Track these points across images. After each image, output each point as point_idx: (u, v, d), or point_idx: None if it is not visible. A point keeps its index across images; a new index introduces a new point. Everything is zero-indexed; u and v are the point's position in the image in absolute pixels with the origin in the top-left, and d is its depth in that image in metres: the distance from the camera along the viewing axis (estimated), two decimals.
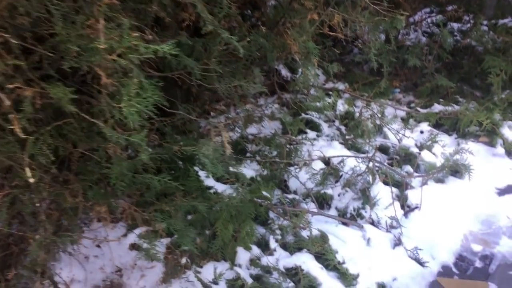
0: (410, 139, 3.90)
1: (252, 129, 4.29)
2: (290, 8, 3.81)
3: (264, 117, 4.47)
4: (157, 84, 1.80)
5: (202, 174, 3.24)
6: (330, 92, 4.47)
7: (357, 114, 4.11)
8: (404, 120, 4.33)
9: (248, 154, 3.63)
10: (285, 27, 3.79)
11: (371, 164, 3.43)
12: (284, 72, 4.88)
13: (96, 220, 3.27)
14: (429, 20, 5.53)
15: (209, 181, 3.21)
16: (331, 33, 3.72)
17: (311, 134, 4.05)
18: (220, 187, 3.18)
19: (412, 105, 4.60)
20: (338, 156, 3.50)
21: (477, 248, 3.04)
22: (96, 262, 2.99)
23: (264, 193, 3.05)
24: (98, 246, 3.10)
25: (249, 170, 3.38)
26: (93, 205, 2.05)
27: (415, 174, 3.57)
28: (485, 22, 5.96)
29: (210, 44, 2.73)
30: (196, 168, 3.27)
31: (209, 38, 2.71)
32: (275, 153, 3.56)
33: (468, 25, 5.73)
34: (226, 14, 3.80)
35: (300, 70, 3.60)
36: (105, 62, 1.48)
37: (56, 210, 1.95)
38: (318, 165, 3.59)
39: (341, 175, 3.58)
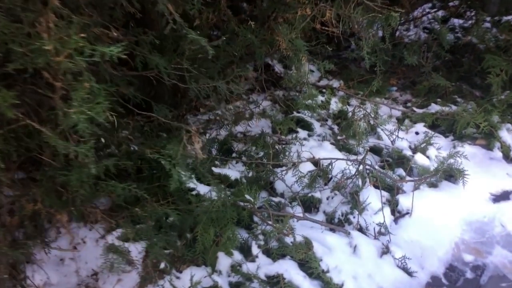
0: (404, 141, 3.77)
1: (242, 127, 4.16)
2: (282, 2, 3.66)
3: (255, 114, 4.35)
4: (109, 89, 1.66)
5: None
6: (324, 90, 4.33)
7: (351, 114, 3.96)
8: (400, 120, 4.19)
9: (234, 154, 3.49)
10: (277, 22, 3.65)
11: (361, 167, 3.29)
12: (278, 68, 4.75)
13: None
14: (430, 15, 5.37)
15: (192, 182, 3.09)
16: (325, 29, 3.59)
17: (302, 133, 3.92)
18: (202, 189, 3.06)
19: (409, 104, 4.46)
20: (327, 159, 3.36)
21: (468, 257, 2.91)
22: (72, 265, 2.88)
23: (247, 196, 2.92)
24: (74, 247, 2.99)
25: (234, 171, 3.25)
26: (55, 213, 1.93)
27: (408, 178, 3.44)
28: (488, 19, 5.79)
29: (180, 43, 2.59)
30: (179, 169, 3.15)
31: (178, 37, 2.55)
32: (262, 153, 3.43)
33: (471, 21, 5.57)
34: (215, 9, 3.70)
35: (292, 66, 3.45)
36: (54, 64, 1.35)
37: (18, 216, 1.83)
38: (307, 167, 3.46)
39: (331, 178, 3.45)
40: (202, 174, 3.17)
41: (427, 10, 5.48)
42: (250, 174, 3.26)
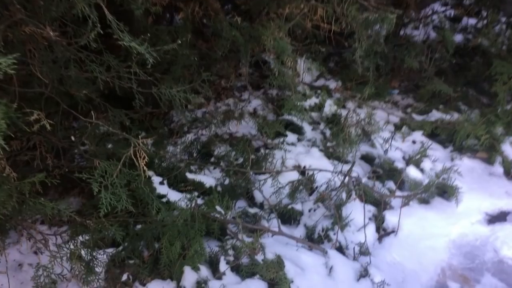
0: (398, 151, 3.53)
1: (229, 127, 3.96)
2: None
3: (244, 113, 4.14)
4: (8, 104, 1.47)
5: (156, 179, 2.95)
6: (319, 91, 4.09)
7: (344, 119, 3.73)
8: (397, 127, 3.94)
9: (213, 159, 3.29)
10: (269, 17, 3.42)
11: (347, 179, 3.07)
12: (273, 64, 4.51)
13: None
14: (439, 15, 5.05)
15: (163, 188, 2.91)
16: (322, 26, 3.35)
17: (291, 137, 3.71)
18: (174, 196, 2.88)
19: (409, 109, 4.19)
20: (309, 169, 3.14)
21: (454, 286, 2.69)
22: (30, 272, 2.73)
23: (218, 208, 2.73)
24: (35, 252, 2.85)
25: (209, 178, 3.06)
26: None
27: (397, 192, 3.21)
28: (503, 19, 5.46)
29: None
30: (150, 173, 2.97)
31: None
32: (242, 159, 3.22)
33: (485, 21, 5.23)
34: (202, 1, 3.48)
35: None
36: None
37: None
38: (291, 175, 3.25)
39: (315, 188, 3.24)
40: (175, 180, 2.99)
41: (438, 8, 5.15)
42: (227, 182, 3.06)
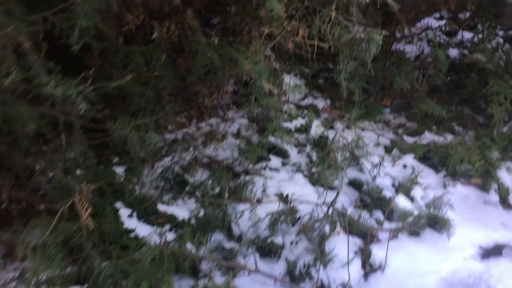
0: (387, 177, 3.33)
1: (211, 150, 3.76)
2: (255, 15, 3.23)
3: (228, 135, 3.95)
4: None
5: (125, 212, 2.75)
6: (306, 111, 3.89)
7: (331, 142, 3.53)
8: (388, 149, 3.74)
9: (188, 188, 3.09)
10: (250, 36, 3.23)
11: (331, 210, 2.87)
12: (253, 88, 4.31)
13: None
14: (433, 29, 4.86)
15: (132, 222, 2.71)
16: (308, 45, 3.16)
17: (275, 161, 3.51)
18: (143, 230, 2.68)
19: (400, 130, 3.99)
20: (291, 201, 2.94)
21: None
22: None
23: (189, 245, 2.53)
24: None
25: (183, 209, 2.86)
26: None
27: (386, 223, 3.01)
28: (501, 33, 5.27)
29: None
30: (118, 205, 2.78)
31: None
32: (218, 188, 3.02)
33: (481, 35, 5.04)
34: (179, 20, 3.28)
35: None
36: None
37: None
38: (273, 205, 3.06)
39: (298, 218, 3.04)
40: (145, 212, 2.79)
41: (432, 22, 4.97)
42: (202, 213, 2.86)
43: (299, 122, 3.80)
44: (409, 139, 3.79)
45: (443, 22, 5.10)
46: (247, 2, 3.25)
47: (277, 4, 2.19)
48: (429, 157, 3.59)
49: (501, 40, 5.22)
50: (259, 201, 3.12)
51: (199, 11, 3.75)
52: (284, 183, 3.25)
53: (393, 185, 3.29)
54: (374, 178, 3.28)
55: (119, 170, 3.13)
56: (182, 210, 2.85)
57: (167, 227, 2.75)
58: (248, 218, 2.83)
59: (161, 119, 3.61)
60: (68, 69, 2.77)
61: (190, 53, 3.07)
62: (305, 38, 2.89)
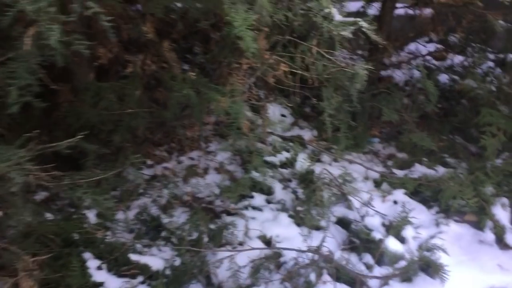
0: (377, 216, 3.14)
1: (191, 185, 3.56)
2: (234, 47, 3.07)
3: (210, 169, 3.76)
4: None
5: (93, 263, 2.54)
6: (291, 143, 3.72)
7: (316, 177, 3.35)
8: (377, 183, 3.56)
9: (163, 233, 2.89)
10: (230, 68, 3.07)
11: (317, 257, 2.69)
12: (246, 111, 4.14)
13: None
14: (426, 52, 4.73)
15: (101, 275, 2.51)
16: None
17: (258, 199, 3.32)
18: (113, 284, 2.48)
19: (390, 162, 3.82)
20: (270, 249, 2.75)
21: None
22: None
23: None
24: None
25: (157, 258, 2.66)
26: None
27: (376, 267, 2.83)
28: (492, 56, 5.15)
29: None
30: (86, 255, 2.57)
31: None
32: (197, 233, 2.83)
33: (472, 58, 4.92)
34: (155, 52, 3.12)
35: None
36: None
37: None
38: (256, 249, 2.87)
39: (283, 263, 2.85)
40: (116, 262, 2.59)
41: (422, 47, 4.83)
42: (179, 262, 2.66)
43: (284, 155, 3.61)
44: (399, 172, 3.62)
45: (432, 45, 4.96)
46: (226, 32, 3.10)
47: (252, 43, 2.02)
48: (421, 192, 3.41)
49: (492, 64, 5.10)
50: (241, 244, 2.93)
51: (178, 41, 3.59)
52: (268, 224, 3.07)
53: (383, 224, 3.11)
54: (362, 217, 3.09)
55: (91, 214, 2.93)
56: (156, 259, 2.65)
57: (140, 279, 2.56)
58: (228, 267, 2.63)
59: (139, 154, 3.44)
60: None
61: (166, 88, 2.89)
62: (287, 73, 2.72)
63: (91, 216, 2.93)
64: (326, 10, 2.14)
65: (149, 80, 3.17)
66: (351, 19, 2.15)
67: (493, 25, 3.18)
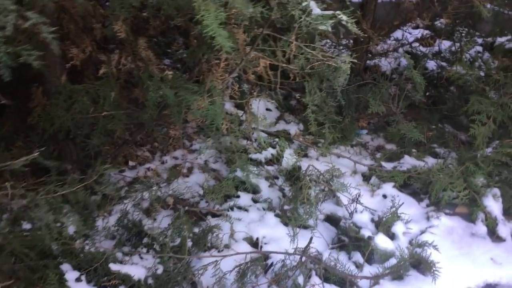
0: (365, 212, 3.05)
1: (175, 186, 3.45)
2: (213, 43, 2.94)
3: (194, 168, 3.65)
4: None
5: (72, 275, 2.43)
6: (277, 139, 3.61)
7: (303, 173, 3.25)
8: (365, 177, 3.48)
9: (146, 240, 2.78)
10: (209, 65, 2.94)
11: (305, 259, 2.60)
12: (229, 107, 4.03)
13: None
14: (413, 39, 4.62)
15: (80, 287, 2.40)
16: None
17: (244, 198, 3.23)
18: None
19: (379, 155, 3.73)
20: (255, 253, 2.66)
21: None
22: None
23: None
24: None
25: (138, 267, 2.56)
26: None
27: (365, 266, 2.75)
28: (480, 40, 5.05)
29: None
30: (64, 267, 2.47)
31: None
32: (180, 239, 2.73)
33: (461, 43, 4.81)
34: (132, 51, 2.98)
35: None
36: None
37: None
38: (242, 248, 2.79)
39: (271, 264, 2.77)
40: (96, 273, 2.49)
41: (407, 33, 4.71)
42: (161, 271, 2.56)
43: (269, 152, 3.51)
44: (388, 165, 3.54)
45: (419, 32, 4.85)
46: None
47: (227, 41, 1.90)
48: (410, 184, 3.33)
49: (480, 48, 5.01)
50: (227, 247, 2.84)
51: (155, 37, 3.46)
52: (254, 224, 2.97)
53: (372, 220, 3.03)
54: (351, 214, 3.01)
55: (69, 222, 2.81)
56: (138, 268, 2.55)
57: None
58: (213, 273, 2.53)
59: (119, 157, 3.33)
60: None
61: (143, 88, 2.77)
62: (267, 68, 2.61)
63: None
64: (304, 3, 2.01)
65: (126, 80, 3.03)
66: (330, 12, 2.03)
67: (480, 10, 3.06)
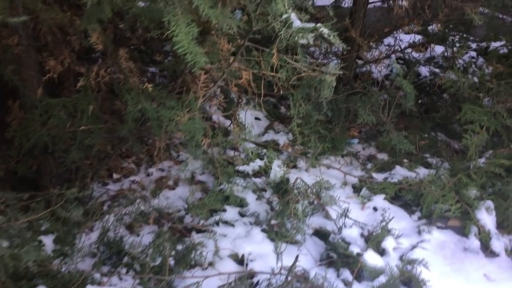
0: (355, 227, 2.96)
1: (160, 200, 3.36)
2: None
3: (180, 180, 3.56)
4: None
5: None
6: (265, 150, 3.52)
7: (291, 185, 3.16)
8: (356, 189, 3.39)
9: (126, 259, 2.69)
10: (193, 76, 2.85)
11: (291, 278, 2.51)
12: (217, 117, 3.94)
13: None
14: (405, 45, 4.54)
15: None
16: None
17: (231, 212, 3.14)
18: None
19: (369, 165, 3.64)
20: (240, 273, 2.57)
21: None
22: None
23: None
24: None
25: None
26: None
27: (354, 284, 2.65)
28: (474, 45, 4.98)
29: None
30: None
31: None
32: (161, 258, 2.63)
33: (454, 48, 4.73)
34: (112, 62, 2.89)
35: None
36: None
37: None
38: (227, 267, 2.69)
39: (256, 283, 2.67)
40: None
41: (400, 37, 4.63)
42: None
43: (257, 164, 3.42)
44: (379, 176, 3.44)
45: (411, 37, 4.77)
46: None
47: (200, 56, 1.81)
48: (401, 196, 3.24)
49: (474, 54, 4.94)
50: (211, 264, 2.75)
51: (138, 48, 3.37)
52: (240, 241, 2.88)
53: (362, 235, 2.93)
54: (340, 229, 2.91)
55: (48, 240, 2.72)
56: None
57: None
58: None
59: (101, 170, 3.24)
60: None
61: (122, 101, 2.68)
62: (250, 80, 2.52)
63: (48, 242, 2.73)
64: (284, 16, 1.92)
65: (109, 90, 2.94)
66: (311, 25, 1.94)
67: (471, 18, 2.98)
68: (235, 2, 1.97)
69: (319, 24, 1.92)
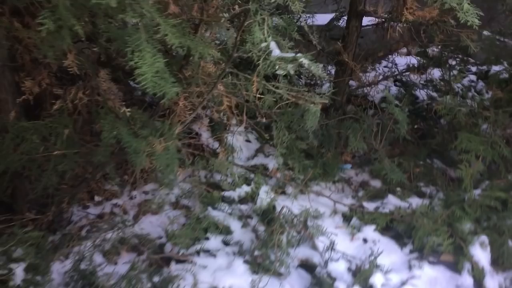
0: (342, 260, 2.83)
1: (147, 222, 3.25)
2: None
3: (165, 204, 3.43)
4: None
5: None
6: (253, 175, 3.40)
7: (277, 214, 3.04)
8: (346, 218, 3.25)
9: None
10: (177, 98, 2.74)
11: None
12: (206, 137, 3.83)
13: None
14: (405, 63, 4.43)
15: None
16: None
17: (214, 241, 3.01)
18: None
19: (361, 193, 3.51)
20: None
21: None
22: None
23: None
24: None
25: None
26: None
27: None
28: (474, 69, 4.85)
29: None
30: None
31: None
32: None
33: (453, 71, 4.62)
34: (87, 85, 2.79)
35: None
36: None
37: None
38: None
39: None
40: None
41: (398, 61, 4.52)
42: None
43: (244, 189, 3.30)
44: (371, 205, 3.32)
45: (408, 59, 4.66)
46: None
47: (173, 88, 1.70)
48: (393, 227, 3.11)
49: (474, 77, 4.82)
50: None
51: (123, 68, 3.27)
52: (220, 273, 2.75)
53: (349, 269, 2.80)
54: (326, 263, 2.78)
55: (19, 268, 2.60)
56: None
57: None
58: None
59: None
60: None
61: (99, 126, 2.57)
62: (232, 107, 2.41)
63: (19, 271, 2.60)
64: (263, 44, 1.81)
65: (86, 113, 2.83)
66: (291, 54, 1.83)
67: (467, 45, 2.86)
68: (213, 29, 1.87)
69: (299, 54, 1.81)
